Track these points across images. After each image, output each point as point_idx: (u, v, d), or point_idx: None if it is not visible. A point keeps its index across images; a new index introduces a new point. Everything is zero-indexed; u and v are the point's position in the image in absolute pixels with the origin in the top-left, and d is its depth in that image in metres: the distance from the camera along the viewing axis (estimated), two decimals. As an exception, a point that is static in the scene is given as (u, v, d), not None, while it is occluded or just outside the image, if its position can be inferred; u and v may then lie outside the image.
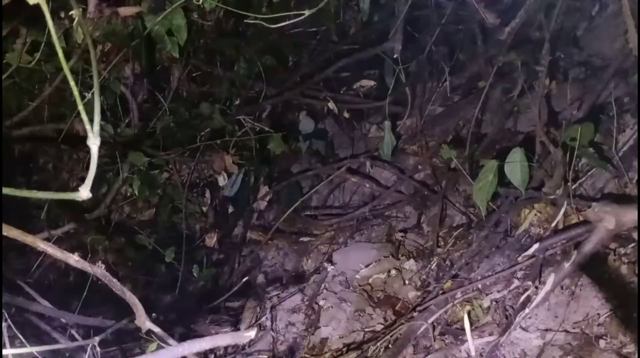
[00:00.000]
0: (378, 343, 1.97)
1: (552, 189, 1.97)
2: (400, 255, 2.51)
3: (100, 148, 0.74)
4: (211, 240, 3.27)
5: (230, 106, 3.24)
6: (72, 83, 0.74)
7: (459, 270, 2.16)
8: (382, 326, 2.17)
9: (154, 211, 3.12)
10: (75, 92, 0.74)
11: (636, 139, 2.02)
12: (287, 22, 1.95)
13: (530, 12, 2.35)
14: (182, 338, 2.04)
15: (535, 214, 2.06)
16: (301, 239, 2.97)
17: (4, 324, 1.53)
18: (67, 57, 2.29)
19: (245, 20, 2.23)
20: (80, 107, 0.73)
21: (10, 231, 0.90)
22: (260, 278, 2.85)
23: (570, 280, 1.76)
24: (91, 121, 0.74)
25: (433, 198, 2.66)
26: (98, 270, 0.98)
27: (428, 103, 3.00)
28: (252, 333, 0.78)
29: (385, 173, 2.99)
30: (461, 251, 2.29)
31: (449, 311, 1.98)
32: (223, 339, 0.82)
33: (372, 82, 3.48)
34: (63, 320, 2.32)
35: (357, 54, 3.22)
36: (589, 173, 2.07)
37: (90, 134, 0.73)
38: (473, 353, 1.76)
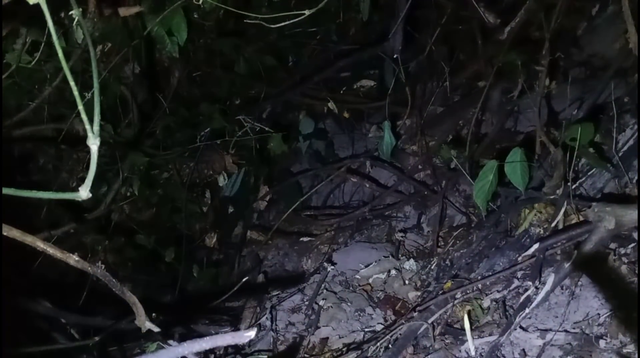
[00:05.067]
0: (378, 343, 1.97)
1: (552, 189, 1.97)
2: (400, 255, 2.51)
3: (100, 148, 0.74)
4: (211, 240, 3.27)
5: (230, 106, 3.24)
6: (72, 83, 0.74)
7: (459, 270, 2.16)
8: (382, 326, 2.17)
9: (154, 211, 3.12)
10: (75, 92, 0.74)
11: (636, 139, 2.02)
12: (287, 22, 1.94)
13: (530, 12, 2.35)
14: (182, 338, 2.05)
15: (535, 215, 2.05)
16: (301, 239, 2.97)
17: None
18: (67, 57, 2.29)
19: (245, 20, 2.22)
20: (80, 107, 0.73)
21: (10, 231, 0.90)
22: (260, 278, 2.85)
23: (570, 280, 1.76)
24: (91, 121, 0.74)
25: (433, 198, 2.66)
26: (98, 270, 0.98)
27: (428, 103, 3.01)
28: (252, 333, 0.78)
29: (385, 173, 2.99)
30: (461, 251, 2.29)
31: (449, 311, 1.98)
32: (223, 339, 0.81)
33: (372, 82, 3.49)
34: (63, 320, 2.32)
35: (357, 54, 3.23)
36: (589, 173, 2.06)
37: (90, 134, 0.73)
38: (473, 353, 1.76)
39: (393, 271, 2.41)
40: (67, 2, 0.90)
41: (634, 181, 1.90)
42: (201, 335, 0.82)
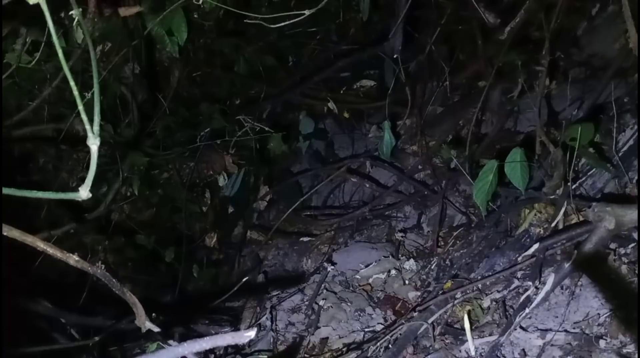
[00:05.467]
0: (378, 343, 1.97)
1: (552, 189, 1.97)
2: (400, 255, 2.51)
3: (100, 148, 0.74)
4: (211, 240, 3.27)
5: (230, 106, 3.24)
6: (72, 83, 0.74)
7: (459, 270, 2.16)
8: (382, 326, 2.17)
9: (154, 211, 3.12)
10: (75, 92, 0.74)
11: (636, 139, 2.02)
12: (287, 22, 1.94)
13: (530, 12, 2.35)
14: (182, 338, 2.05)
15: (535, 215, 2.05)
16: (301, 239, 2.97)
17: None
18: (67, 57, 2.29)
19: (245, 20, 2.22)
20: (80, 107, 0.73)
21: (10, 231, 0.90)
22: (260, 278, 2.85)
23: (570, 280, 1.76)
24: (91, 121, 0.74)
25: (433, 198, 2.66)
26: (98, 270, 0.98)
27: (428, 103, 3.01)
28: (252, 333, 0.78)
29: (385, 173, 2.99)
30: (461, 251, 2.29)
31: (449, 311, 1.98)
32: (223, 339, 0.81)
33: (372, 82, 3.49)
34: (63, 320, 2.32)
35: (357, 54, 3.23)
36: (589, 173, 2.06)
37: (90, 134, 0.73)
38: (473, 353, 1.76)
39: (393, 271, 2.41)
40: (67, 2, 0.90)
41: (634, 181, 1.90)
42: (201, 335, 0.82)
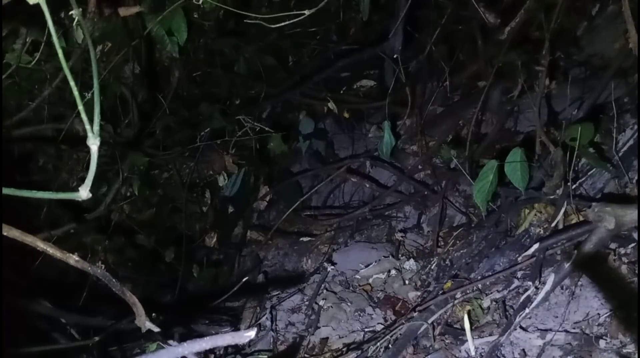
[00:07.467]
0: (378, 343, 1.97)
1: (552, 189, 1.97)
2: (400, 255, 2.51)
3: (100, 148, 0.74)
4: (211, 240, 3.27)
5: (230, 106, 3.24)
6: (72, 83, 0.74)
7: (459, 270, 2.16)
8: (382, 326, 2.17)
9: (154, 211, 3.12)
10: (75, 92, 0.74)
11: (636, 139, 2.02)
12: (287, 22, 1.94)
13: (530, 12, 2.35)
14: (182, 338, 2.04)
15: (535, 215, 2.06)
16: (301, 239, 2.97)
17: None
18: (67, 57, 2.29)
19: (245, 20, 2.23)
20: (80, 107, 0.73)
21: (10, 231, 0.90)
22: (260, 278, 2.85)
23: (570, 280, 1.76)
24: (91, 121, 0.74)
25: (433, 198, 2.66)
26: (98, 270, 0.98)
27: (428, 103, 3.01)
28: (252, 333, 0.78)
29: (385, 173, 2.99)
30: (461, 251, 2.29)
31: (449, 311, 1.98)
32: (223, 339, 0.81)
33: (372, 82, 3.49)
34: (63, 320, 2.33)
35: (357, 54, 3.23)
36: (589, 173, 2.07)
37: (90, 134, 0.73)
38: (473, 353, 1.76)
39: (393, 271, 2.41)
40: (67, 2, 0.90)
41: (634, 181, 1.90)
42: (201, 335, 0.82)
